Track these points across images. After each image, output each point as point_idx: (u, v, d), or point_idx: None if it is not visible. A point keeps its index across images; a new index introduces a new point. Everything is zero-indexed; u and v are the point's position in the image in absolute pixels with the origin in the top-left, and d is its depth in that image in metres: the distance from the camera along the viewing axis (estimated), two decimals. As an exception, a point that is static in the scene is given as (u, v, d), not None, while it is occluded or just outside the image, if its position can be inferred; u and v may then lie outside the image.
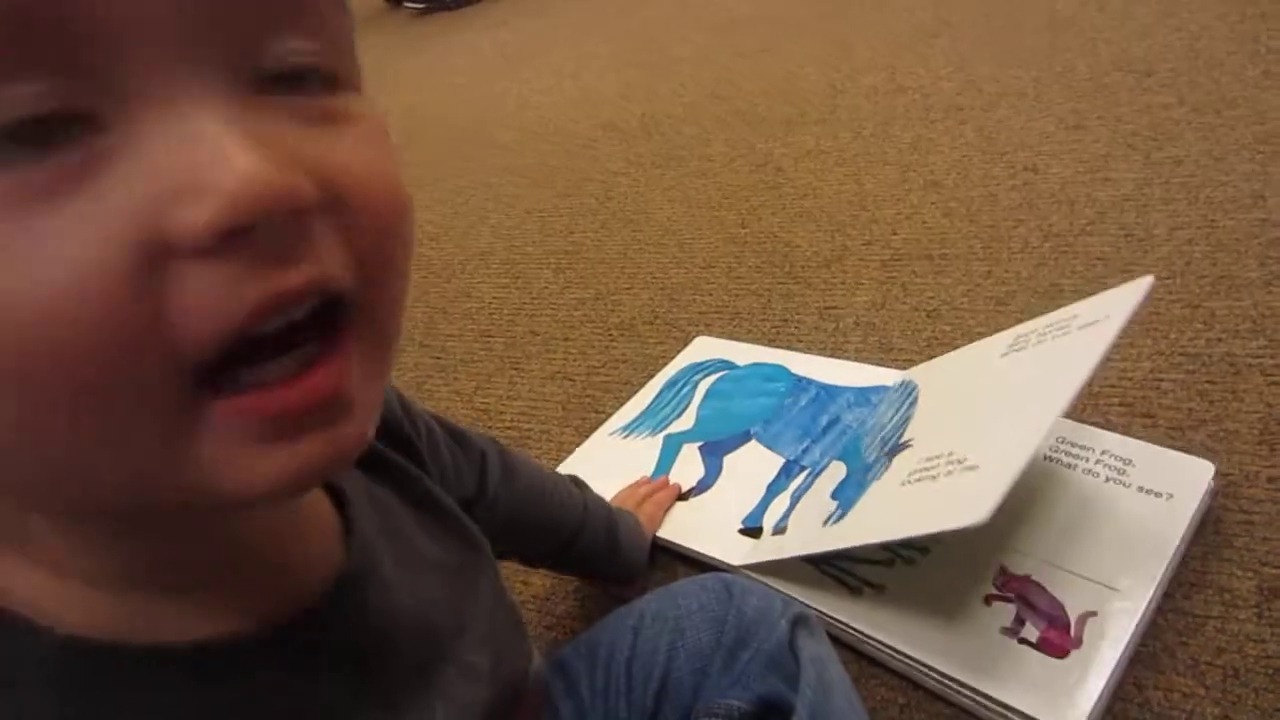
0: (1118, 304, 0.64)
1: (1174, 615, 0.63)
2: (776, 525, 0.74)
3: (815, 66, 1.70)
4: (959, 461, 0.61)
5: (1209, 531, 0.68)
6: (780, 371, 0.94)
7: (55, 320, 0.18)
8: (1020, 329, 0.76)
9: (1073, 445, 0.74)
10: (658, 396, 0.97)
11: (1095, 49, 1.44)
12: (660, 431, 0.91)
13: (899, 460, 0.70)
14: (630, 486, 0.83)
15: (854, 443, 0.79)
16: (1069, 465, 0.72)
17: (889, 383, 0.86)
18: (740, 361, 0.98)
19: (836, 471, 0.76)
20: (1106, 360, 0.61)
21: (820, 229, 1.21)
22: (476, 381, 1.11)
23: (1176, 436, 0.76)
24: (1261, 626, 0.61)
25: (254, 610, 0.29)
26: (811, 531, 0.70)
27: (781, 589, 0.69)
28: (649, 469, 0.86)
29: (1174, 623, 0.63)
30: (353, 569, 0.33)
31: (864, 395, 0.86)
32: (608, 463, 0.89)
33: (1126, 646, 0.60)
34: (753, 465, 0.83)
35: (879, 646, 0.64)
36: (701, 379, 0.97)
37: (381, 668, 0.33)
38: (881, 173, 1.29)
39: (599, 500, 0.71)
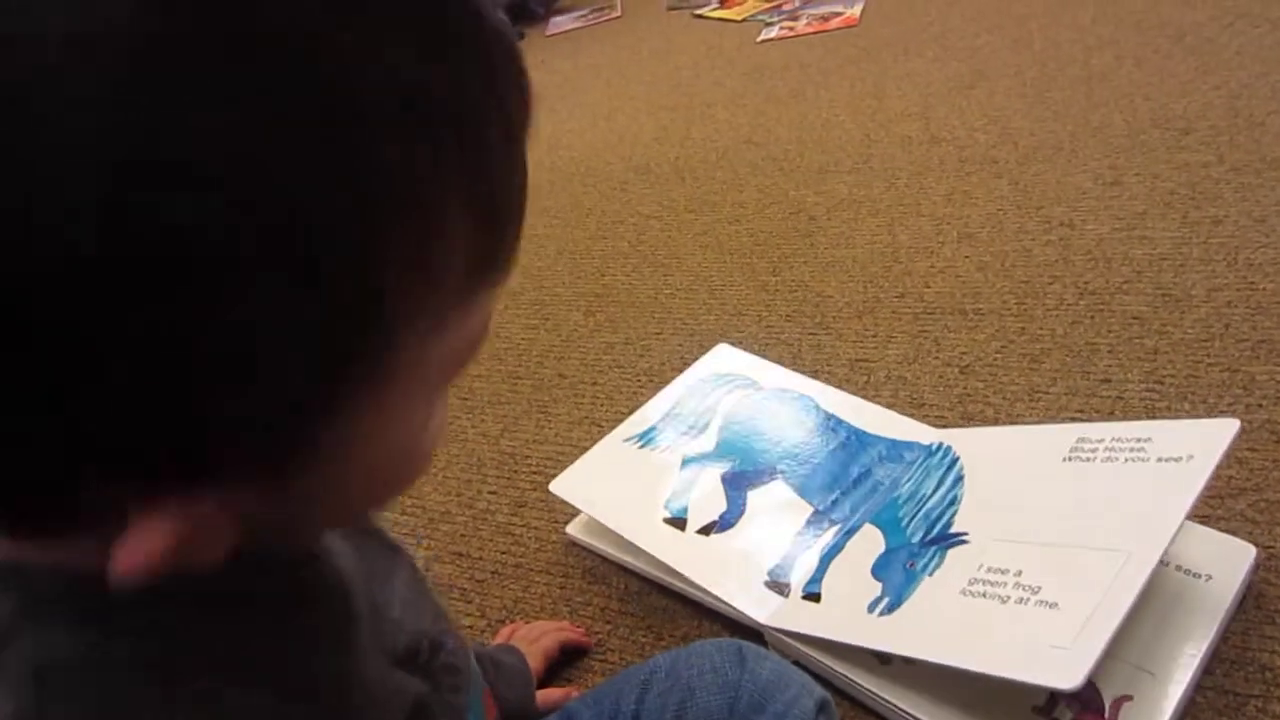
0: (1202, 445, 0.64)
1: (1214, 694, 0.62)
2: (807, 587, 0.73)
3: (849, 114, 1.71)
4: (1032, 590, 0.60)
5: (1250, 607, 0.66)
6: (808, 403, 0.92)
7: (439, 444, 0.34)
8: (1082, 430, 0.75)
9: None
10: (676, 405, 0.95)
11: (1133, 104, 1.44)
12: (678, 447, 0.89)
13: (955, 557, 0.68)
14: (530, 625, 0.80)
15: (890, 508, 0.78)
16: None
17: (921, 439, 0.85)
18: (764, 382, 0.95)
19: (872, 538, 0.75)
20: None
21: (852, 279, 1.21)
22: (504, 424, 1.11)
23: (1216, 505, 0.75)
24: (1306, 710, 0.59)
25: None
26: (854, 615, 0.68)
27: (808, 650, 0.68)
28: (665, 491, 0.84)
29: (1214, 701, 0.61)
30: None
31: (896, 450, 0.85)
32: (622, 476, 0.87)
33: (1164, 732, 0.58)
34: (779, 508, 0.81)
35: (907, 717, 0.62)
36: (724, 394, 0.95)
37: (334, 610, 0.37)
38: (915, 224, 1.29)
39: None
